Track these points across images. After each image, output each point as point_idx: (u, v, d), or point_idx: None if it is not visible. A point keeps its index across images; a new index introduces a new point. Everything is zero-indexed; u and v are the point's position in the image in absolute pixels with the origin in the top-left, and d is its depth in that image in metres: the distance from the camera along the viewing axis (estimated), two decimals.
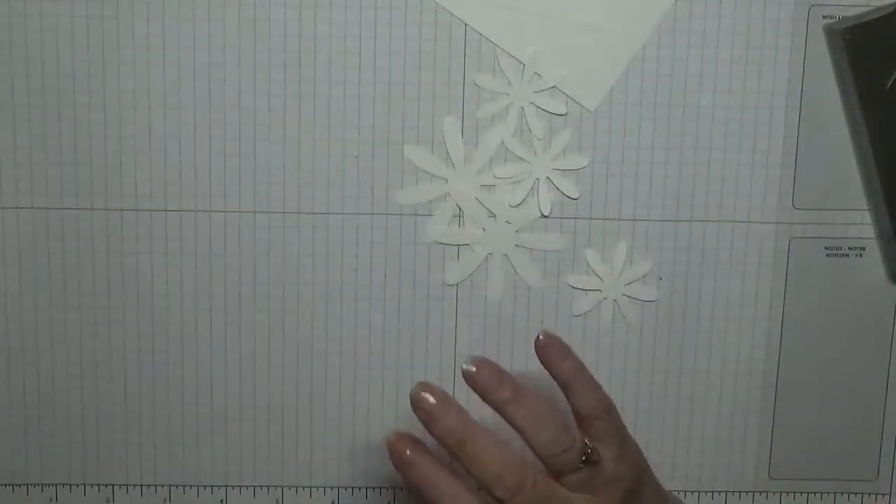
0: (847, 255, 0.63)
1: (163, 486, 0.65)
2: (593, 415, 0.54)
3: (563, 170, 0.62)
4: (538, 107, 0.62)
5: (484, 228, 0.63)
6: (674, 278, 0.64)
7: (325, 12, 0.61)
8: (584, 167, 0.62)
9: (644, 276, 0.64)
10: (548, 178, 0.62)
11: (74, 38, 0.61)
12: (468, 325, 0.64)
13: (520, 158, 0.62)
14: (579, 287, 0.64)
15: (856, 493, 0.66)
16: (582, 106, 0.62)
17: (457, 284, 0.64)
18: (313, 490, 0.66)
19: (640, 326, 0.64)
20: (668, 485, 0.65)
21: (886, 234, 0.62)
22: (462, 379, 0.63)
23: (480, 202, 0.63)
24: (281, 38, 0.61)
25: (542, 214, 0.63)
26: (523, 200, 0.63)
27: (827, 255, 0.64)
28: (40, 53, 0.61)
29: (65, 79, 0.61)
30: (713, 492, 0.66)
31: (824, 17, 0.61)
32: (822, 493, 0.66)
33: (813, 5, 0.61)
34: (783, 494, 0.66)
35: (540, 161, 0.62)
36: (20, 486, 0.65)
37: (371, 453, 0.65)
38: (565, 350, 0.54)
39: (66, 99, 0.61)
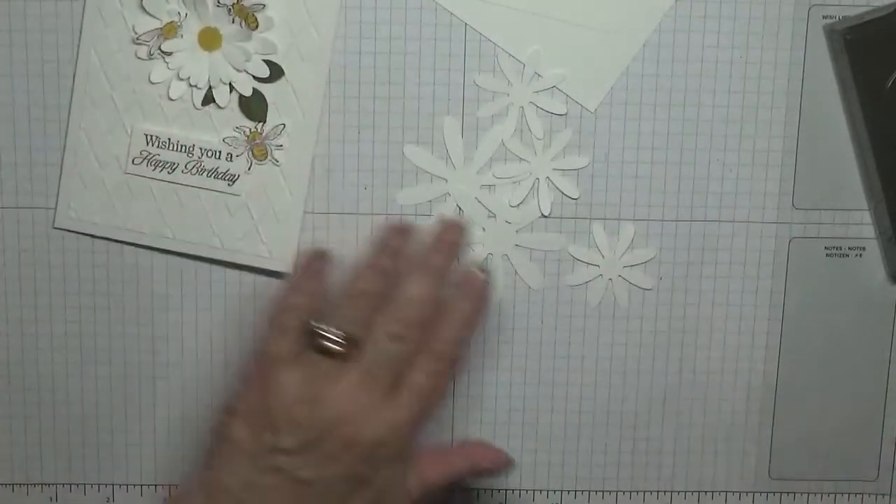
0: (847, 255, 0.63)
1: (163, 486, 0.65)
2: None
3: (563, 170, 0.62)
4: (538, 107, 0.62)
5: (484, 228, 0.63)
6: (673, 278, 0.64)
7: None
8: (584, 167, 0.62)
9: (643, 275, 0.64)
10: (548, 178, 0.62)
11: (74, 39, 0.61)
12: None
13: (520, 158, 0.62)
14: (579, 283, 0.64)
15: (856, 493, 0.66)
16: (582, 106, 0.62)
17: None
18: None
19: (641, 327, 0.64)
20: (668, 485, 0.65)
21: (886, 234, 0.62)
22: (461, 377, 0.64)
23: (480, 202, 0.63)
24: None
25: (542, 214, 0.63)
26: (523, 200, 0.63)
27: (827, 255, 0.63)
28: (40, 53, 0.61)
29: (65, 78, 0.61)
30: (713, 492, 0.66)
31: (824, 17, 0.61)
32: (822, 494, 0.66)
33: (813, 5, 0.61)
34: (783, 494, 0.66)
35: (540, 161, 0.62)
36: (20, 485, 0.65)
37: None
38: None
39: (65, 99, 0.61)
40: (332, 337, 0.55)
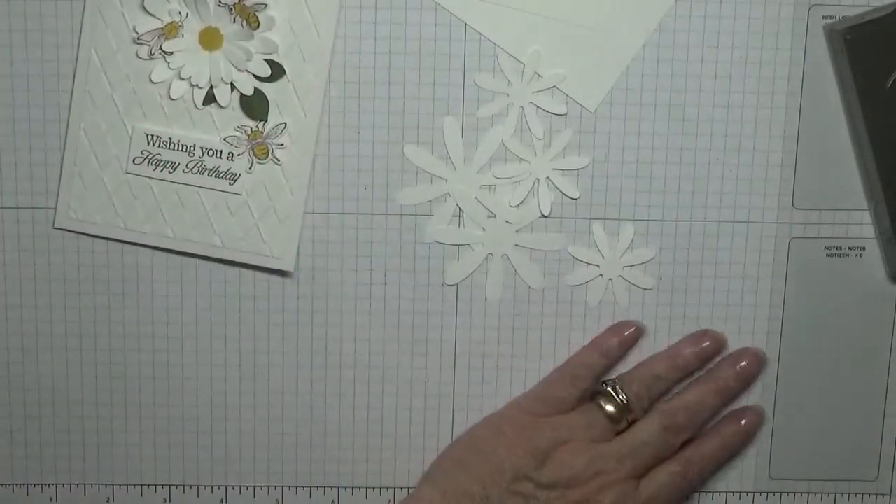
0: (847, 255, 0.63)
1: (163, 486, 0.65)
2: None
3: (563, 170, 0.62)
4: (538, 107, 0.62)
5: (484, 228, 0.63)
6: (673, 278, 0.64)
7: None
8: (584, 167, 0.62)
9: (643, 275, 0.64)
10: (548, 178, 0.62)
11: (74, 39, 0.61)
12: (468, 325, 0.64)
13: (520, 158, 0.62)
14: (579, 283, 0.64)
15: (856, 494, 0.66)
16: (582, 106, 0.62)
17: (457, 284, 0.64)
18: (313, 490, 0.66)
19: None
20: None
21: (886, 234, 0.62)
22: (461, 377, 0.64)
23: (480, 202, 0.63)
24: None
25: (542, 214, 0.63)
26: (523, 200, 0.63)
27: (827, 255, 0.64)
28: (40, 53, 0.61)
29: (65, 78, 0.61)
30: (713, 492, 0.66)
31: (824, 17, 0.61)
32: (822, 494, 0.66)
33: (813, 5, 0.61)
34: (783, 494, 0.66)
35: (540, 161, 0.62)
36: (20, 486, 0.65)
37: (371, 453, 0.65)
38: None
39: (65, 99, 0.61)
40: (616, 401, 0.61)
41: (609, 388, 0.62)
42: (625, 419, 0.62)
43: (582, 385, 0.62)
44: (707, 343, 0.63)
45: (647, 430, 0.61)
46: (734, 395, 0.63)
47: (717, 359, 0.64)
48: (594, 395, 0.63)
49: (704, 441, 0.63)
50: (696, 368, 0.63)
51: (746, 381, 0.63)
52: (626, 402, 0.61)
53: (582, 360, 0.63)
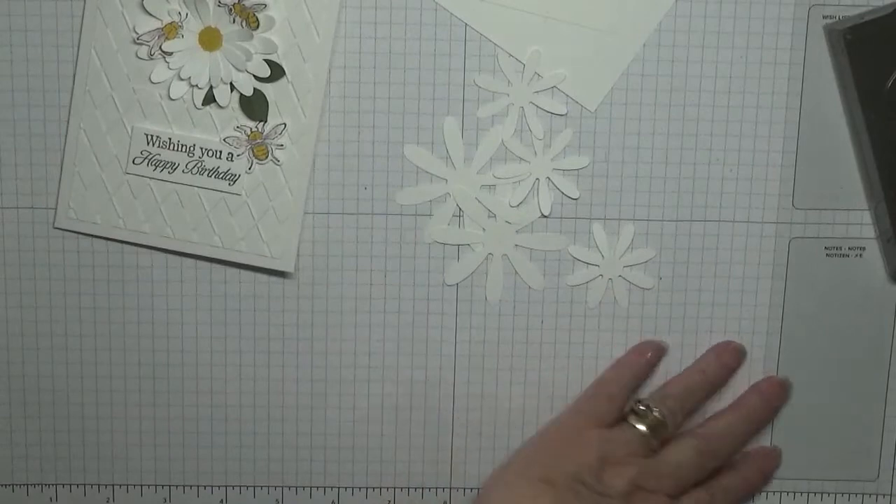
0: (847, 255, 0.63)
1: (163, 486, 0.65)
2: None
3: (563, 170, 0.62)
4: (538, 107, 0.62)
5: (484, 228, 0.63)
6: (673, 278, 0.64)
7: None
8: (584, 167, 0.62)
9: (643, 275, 0.64)
10: (548, 178, 0.62)
11: (74, 39, 0.61)
12: (468, 325, 0.64)
13: (520, 158, 0.62)
14: (579, 283, 0.64)
15: (856, 494, 0.66)
16: (582, 106, 0.62)
17: (457, 284, 0.64)
18: (313, 490, 0.66)
19: (641, 327, 0.64)
20: None
21: (886, 234, 0.62)
22: (461, 377, 0.64)
23: (480, 202, 0.63)
24: None
25: (542, 214, 0.63)
26: (523, 200, 0.63)
27: (827, 255, 0.64)
28: (40, 53, 0.61)
29: (65, 78, 0.61)
30: None
31: (824, 17, 0.61)
32: (822, 494, 0.66)
33: (813, 5, 0.61)
34: (783, 494, 0.66)
35: (540, 161, 0.62)
36: (20, 486, 0.65)
37: (371, 453, 0.65)
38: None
39: (65, 99, 0.61)
40: (650, 418, 0.61)
41: (643, 407, 0.62)
42: (658, 437, 0.61)
43: (618, 403, 0.62)
44: (728, 355, 0.64)
45: (682, 452, 0.61)
46: (763, 423, 0.64)
47: (739, 370, 0.64)
48: (627, 413, 0.62)
49: (727, 475, 0.63)
50: (723, 380, 0.64)
51: (774, 409, 0.64)
52: (661, 417, 0.61)
53: (613, 379, 0.63)
